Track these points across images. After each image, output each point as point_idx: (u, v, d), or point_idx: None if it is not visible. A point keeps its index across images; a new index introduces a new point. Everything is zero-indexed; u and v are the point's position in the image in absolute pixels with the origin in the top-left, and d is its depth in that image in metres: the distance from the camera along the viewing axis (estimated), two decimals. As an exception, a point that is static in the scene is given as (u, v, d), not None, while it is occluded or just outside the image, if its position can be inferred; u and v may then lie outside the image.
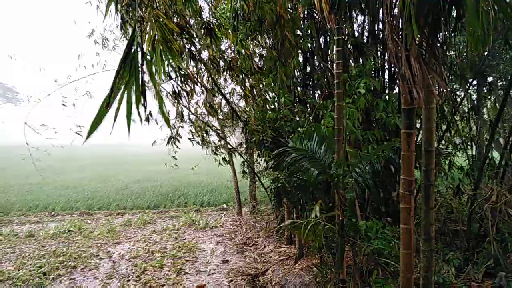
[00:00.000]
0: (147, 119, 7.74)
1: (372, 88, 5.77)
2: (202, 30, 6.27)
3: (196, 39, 6.86)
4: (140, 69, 2.03)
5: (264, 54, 7.64)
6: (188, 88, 7.46)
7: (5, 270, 7.17)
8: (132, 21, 5.67)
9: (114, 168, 24.63)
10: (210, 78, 7.77)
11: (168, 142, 8.87)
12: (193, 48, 6.48)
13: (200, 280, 6.67)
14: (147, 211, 12.98)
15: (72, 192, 15.35)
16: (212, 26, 6.23)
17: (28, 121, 7.92)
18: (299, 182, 5.21)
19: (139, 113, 2.08)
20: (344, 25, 5.70)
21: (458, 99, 6.96)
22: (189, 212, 12.36)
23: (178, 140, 8.80)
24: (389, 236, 4.32)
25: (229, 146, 9.91)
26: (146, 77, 2.24)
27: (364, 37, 6.72)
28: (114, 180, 18.58)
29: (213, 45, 6.67)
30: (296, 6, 6.77)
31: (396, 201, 5.82)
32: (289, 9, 6.15)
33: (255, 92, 8.28)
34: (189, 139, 9.45)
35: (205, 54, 7.42)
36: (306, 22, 7.10)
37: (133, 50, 1.97)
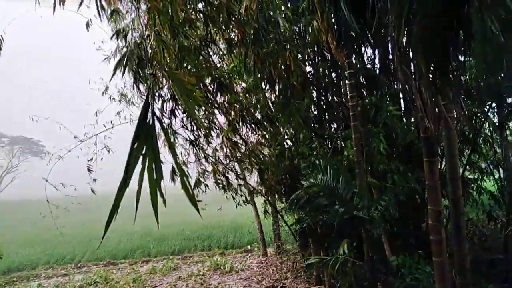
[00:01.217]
0: (172, 178, 7.91)
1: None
2: (214, 86, 6.53)
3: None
4: (156, 140, 1.96)
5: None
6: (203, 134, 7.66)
7: (33, 327, 7.11)
8: (144, 82, 5.91)
9: (133, 216, 24.63)
10: (229, 124, 7.95)
11: (194, 187, 8.96)
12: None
13: (228, 327, 6.45)
14: (171, 257, 12.83)
15: (96, 243, 15.38)
16: (223, 81, 6.47)
17: (53, 175, 8.15)
18: (323, 220, 5.09)
19: (161, 194, 1.99)
20: (354, 59, 5.78)
21: (479, 123, 6.83)
22: (214, 256, 12.16)
23: (199, 185, 8.89)
24: (422, 271, 4.13)
25: (250, 187, 9.88)
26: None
27: (376, 68, 6.79)
28: (136, 227, 18.59)
29: (226, 97, 6.90)
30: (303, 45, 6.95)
31: (426, 232, 5.61)
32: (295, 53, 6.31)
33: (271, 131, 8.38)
34: (216, 183, 9.51)
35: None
36: (316, 59, 7.25)
37: (148, 119, 1.88)
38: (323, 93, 7.52)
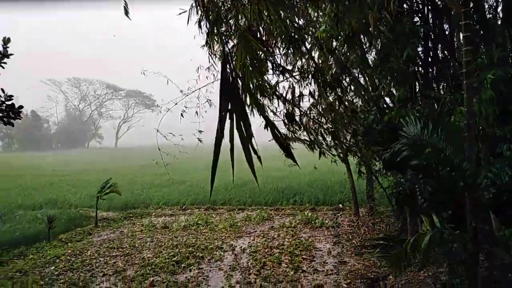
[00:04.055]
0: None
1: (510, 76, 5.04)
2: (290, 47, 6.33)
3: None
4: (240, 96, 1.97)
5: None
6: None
7: (146, 257, 8.22)
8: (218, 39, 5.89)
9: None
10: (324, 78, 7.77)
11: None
12: None
13: (317, 279, 6.68)
14: (264, 207, 13.50)
15: (199, 189, 16.80)
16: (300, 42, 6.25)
17: (162, 126, 8.93)
18: (422, 186, 4.82)
19: (254, 151, 2.03)
20: (471, 7, 5.10)
21: None
22: (305, 210, 12.46)
23: (288, 143, 9.01)
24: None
25: (344, 146, 9.72)
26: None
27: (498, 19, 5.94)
28: (234, 177, 19.71)
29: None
30: None
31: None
32: None
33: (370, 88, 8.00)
34: (304, 142, 9.59)
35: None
36: (426, 8, 6.58)
37: (228, 76, 1.92)
38: (432, 47, 6.86)
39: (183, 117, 8.96)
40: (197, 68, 10.08)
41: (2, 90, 6.60)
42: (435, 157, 4.10)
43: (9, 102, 6.65)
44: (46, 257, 8.37)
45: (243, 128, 1.96)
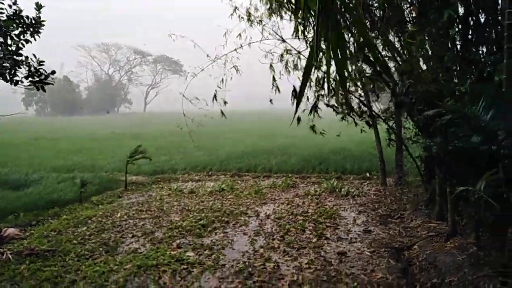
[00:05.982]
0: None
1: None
2: None
3: None
4: None
5: None
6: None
7: (173, 220, 8.44)
8: None
9: (259, 134, 26.29)
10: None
11: (310, 112, 8.95)
12: None
13: (341, 246, 6.68)
14: (290, 175, 13.48)
15: (224, 155, 16.95)
16: None
17: (189, 93, 8.92)
18: (456, 150, 4.61)
19: (349, 74, 1.94)
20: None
21: None
22: (330, 179, 12.36)
23: (317, 111, 8.83)
24: None
25: (374, 113, 9.44)
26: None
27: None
28: (259, 145, 19.80)
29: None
30: None
31: None
32: None
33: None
34: (332, 107, 9.37)
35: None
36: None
37: None
38: (474, 9, 6.39)
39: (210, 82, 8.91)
40: (224, 33, 9.87)
41: (34, 55, 6.69)
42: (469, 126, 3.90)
43: (41, 67, 6.76)
44: (79, 218, 8.72)
45: (339, 52, 1.84)
